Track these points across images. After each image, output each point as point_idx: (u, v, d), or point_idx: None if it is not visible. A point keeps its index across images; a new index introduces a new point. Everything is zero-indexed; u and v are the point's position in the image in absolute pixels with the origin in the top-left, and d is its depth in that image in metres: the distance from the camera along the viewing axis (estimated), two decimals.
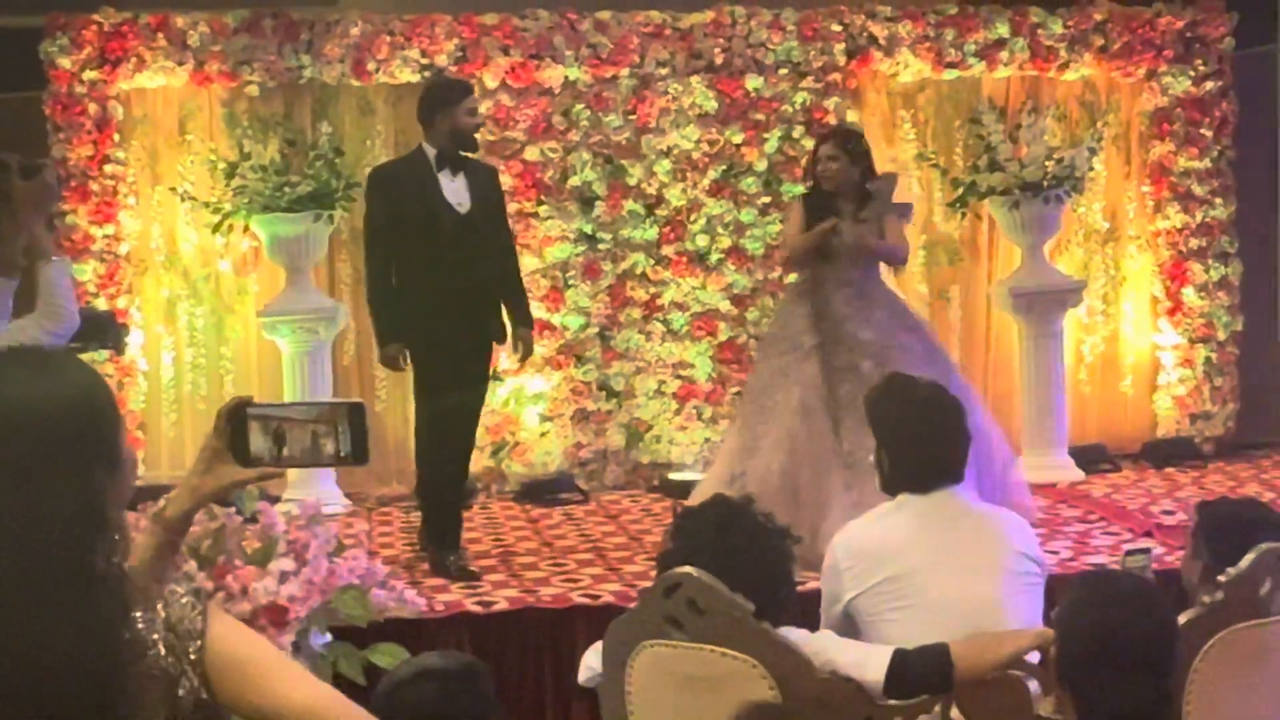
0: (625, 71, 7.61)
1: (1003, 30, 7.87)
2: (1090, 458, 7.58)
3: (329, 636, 4.39)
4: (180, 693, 1.73)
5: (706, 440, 7.63)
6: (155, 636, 1.73)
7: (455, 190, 5.66)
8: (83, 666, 1.67)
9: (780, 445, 5.78)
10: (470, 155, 5.83)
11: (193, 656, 1.74)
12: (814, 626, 3.24)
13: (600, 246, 7.62)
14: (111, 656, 1.68)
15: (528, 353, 6.02)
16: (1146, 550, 3.49)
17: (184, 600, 1.77)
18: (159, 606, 1.75)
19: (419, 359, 5.69)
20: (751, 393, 6.20)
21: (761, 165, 7.72)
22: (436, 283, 5.58)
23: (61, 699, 1.66)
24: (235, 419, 2.01)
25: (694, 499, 5.95)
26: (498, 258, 5.80)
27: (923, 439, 3.40)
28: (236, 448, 2.01)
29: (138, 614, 1.73)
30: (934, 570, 3.28)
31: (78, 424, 1.72)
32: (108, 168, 7.23)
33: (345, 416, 1.98)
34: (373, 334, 6.06)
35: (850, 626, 3.32)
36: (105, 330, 5.00)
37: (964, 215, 7.83)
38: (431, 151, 5.69)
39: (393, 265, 5.66)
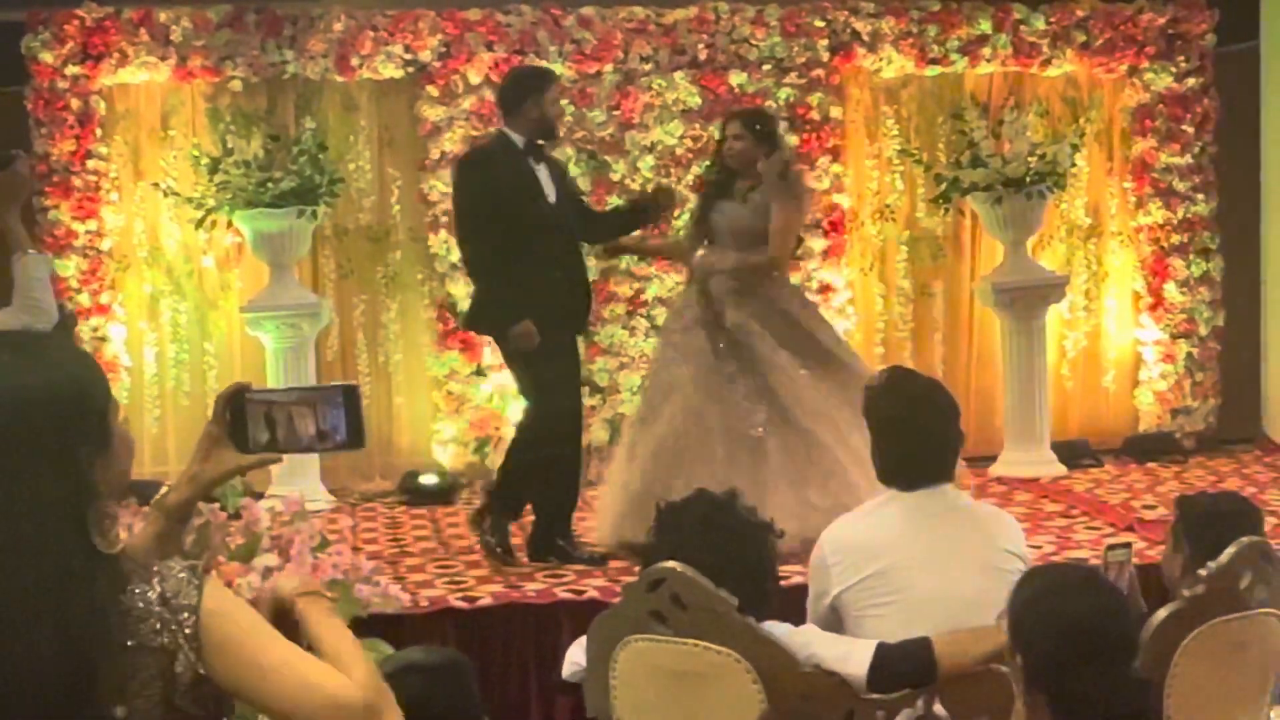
0: (609, 67, 7.62)
1: (985, 26, 7.89)
2: (1073, 453, 7.60)
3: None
4: (178, 669, 1.74)
5: None
6: (150, 611, 1.74)
7: (544, 180, 5.71)
8: (70, 645, 1.68)
9: (672, 418, 5.84)
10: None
11: (187, 630, 1.74)
12: (797, 621, 3.25)
13: (584, 242, 7.60)
14: (101, 634, 1.70)
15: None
16: (1127, 545, 3.50)
17: (179, 575, 1.77)
18: (154, 581, 1.76)
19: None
20: (651, 366, 6.35)
21: None
22: (538, 268, 5.60)
23: (49, 675, 1.67)
24: (234, 405, 2.01)
25: (609, 468, 6.19)
26: (579, 248, 5.93)
27: (913, 435, 3.40)
28: (236, 434, 2.01)
29: (133, 589, 1.74)
30: (920, 566, 3.28)
31: (60, 405, 1.74)
32: (90, 163, 7.21)
33: (340, 400, 1.98)
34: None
35: (836, 621, 3.33)
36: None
37: (947, 211, 7.85)
38: (520, 140, 5.68)
39: (499, 249, 5.60)
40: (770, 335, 5.87)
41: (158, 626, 1.74)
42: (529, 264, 5.58)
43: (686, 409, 5.83)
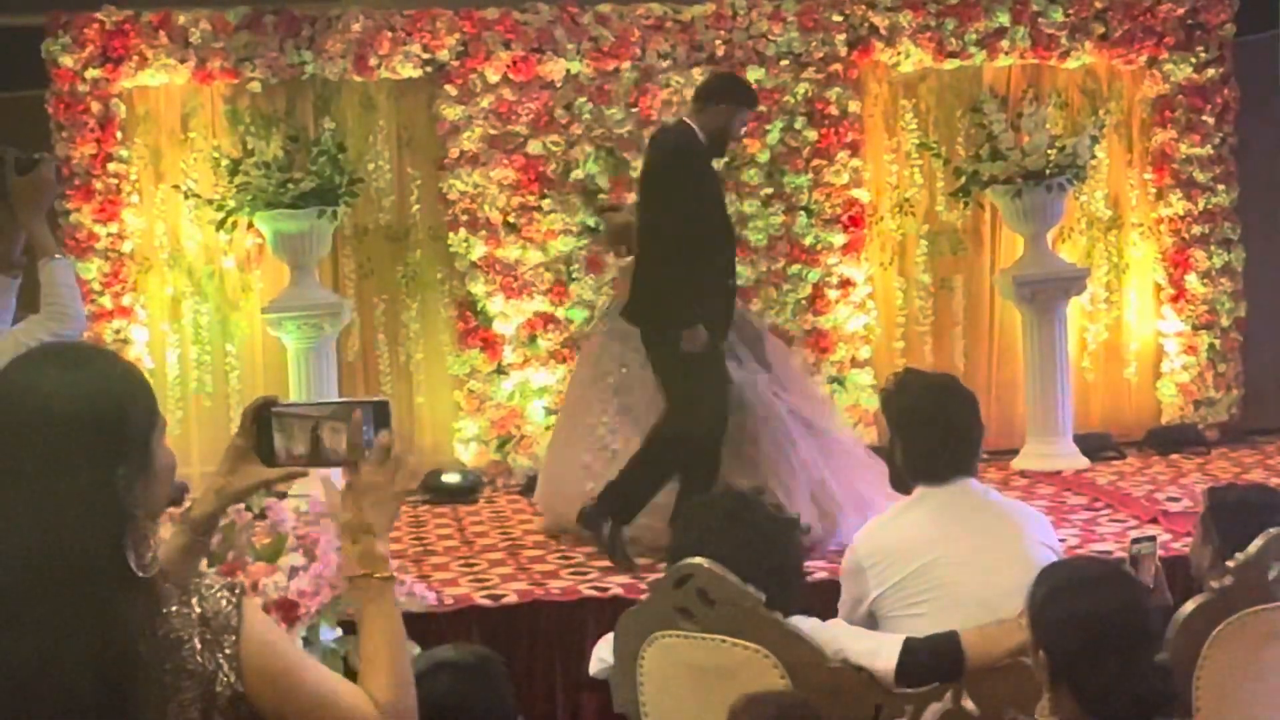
0: (627, 64, 7.61)
1: (1003, 19, 7.86)
2: (1095, 445, 7.58)
3: (339, 630, 4.39)
4: (217, 689, 1.73)
5: None
6: (190, 632, 1.72)
7: None
8: (104, 665, 1.66)
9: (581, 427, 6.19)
10: None
11: (228, 651, 1.73)
12: (824, 615, 3.25)
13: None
14: (136, 662, 1.67)
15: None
16: (1152, 538, 3.49)
17: (219, 594, 1.76)
18: (193, 601, 1.74)
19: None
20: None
21: (764, 157, 7.71)
22: (719, 273, 5.69)
23: (87, 705, 1.65)
24: (260, 418, 1.99)
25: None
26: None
27: (936, 429, 3.39)
28: (261, 447, 1.99)
29: (172, 609, 1.73)
30: (957, 564, 3.27)
31: (101, 424, 1.72)
32: (111, 166, 7.24)
33: (370, 415, 1.95)
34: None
35: (873, 626, 3.31)
36: None
37: (967, 204, 7.83)
38: (703, 138, 5.69)
39: (692, 249, 5.55)
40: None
41: (198, 647, 1.72)
42: (714, 267, 5.62)
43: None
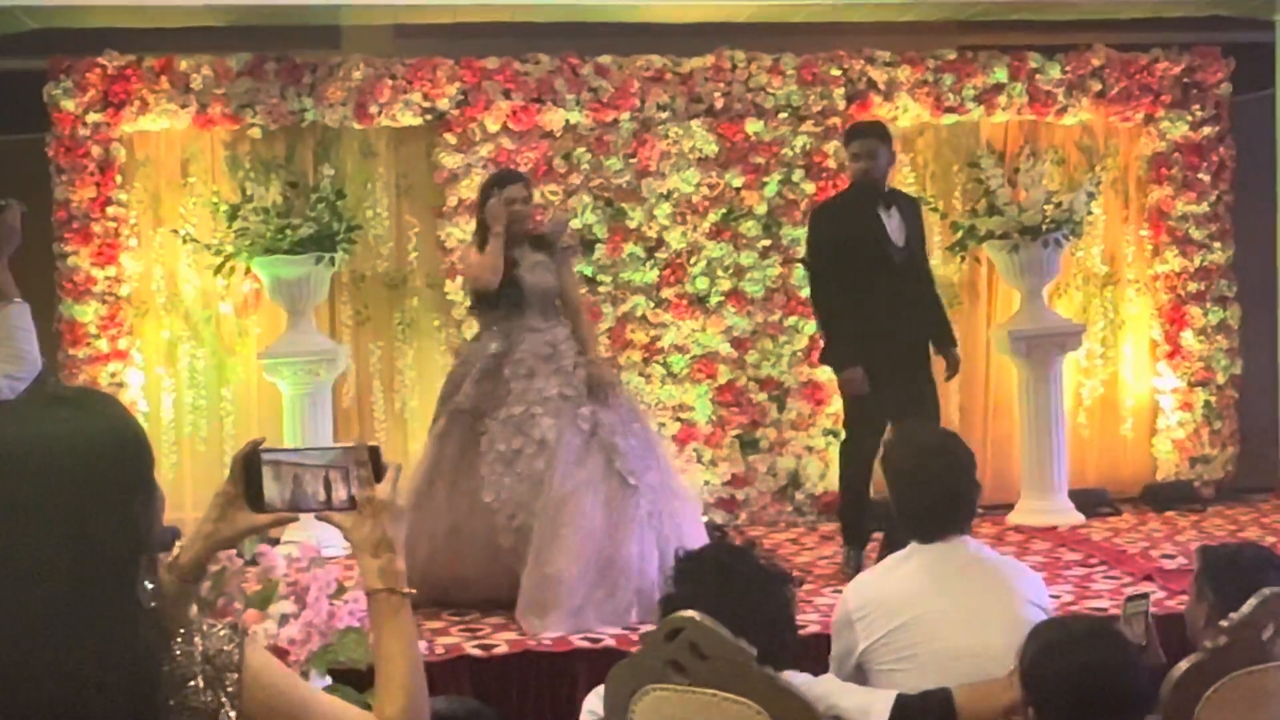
0: (626, 115, 7.65)
1: (1001, 75, 7.91)
2: (1090, 501, 7.57)
3: (329, 679, 4.37)
4: None
5: (706, 483, 7.62)
6: (194, 669, 1.74)
7: (891, 225, 6.19)
8: (122, 699, 1.68)
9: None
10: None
11: (230, 689, 1.75)
12: (816, 671, 3.23)
13: (600, 289, 7.64)
14: (153, 685, 1.70)
15: (954, 370, 6.49)
16: (1145, 596, 3.48)
17: (221, 633, 1.78)
18: (196, 640, 1.77)
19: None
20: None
21: (761, 209, 7.75)
22: (877, 312, 6.08)
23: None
24: (249, 464, 1.99)
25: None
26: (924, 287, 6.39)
27: (930, 488, 3.39)
28: (250, 494, 1.99)
29: (177, 646, 1.75)
30: (943, 620, 3.26)
31: (118, 457, 1.76)
32: (110, 210, 7.26)
33: (362, 461, 1.95)
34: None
35: (861, 680, 3.30)
36: None
37: (963, 259, 7.86)
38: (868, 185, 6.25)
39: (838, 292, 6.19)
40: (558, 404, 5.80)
41: (201, 684, 1.74)
42: (868, 307, 6.06)
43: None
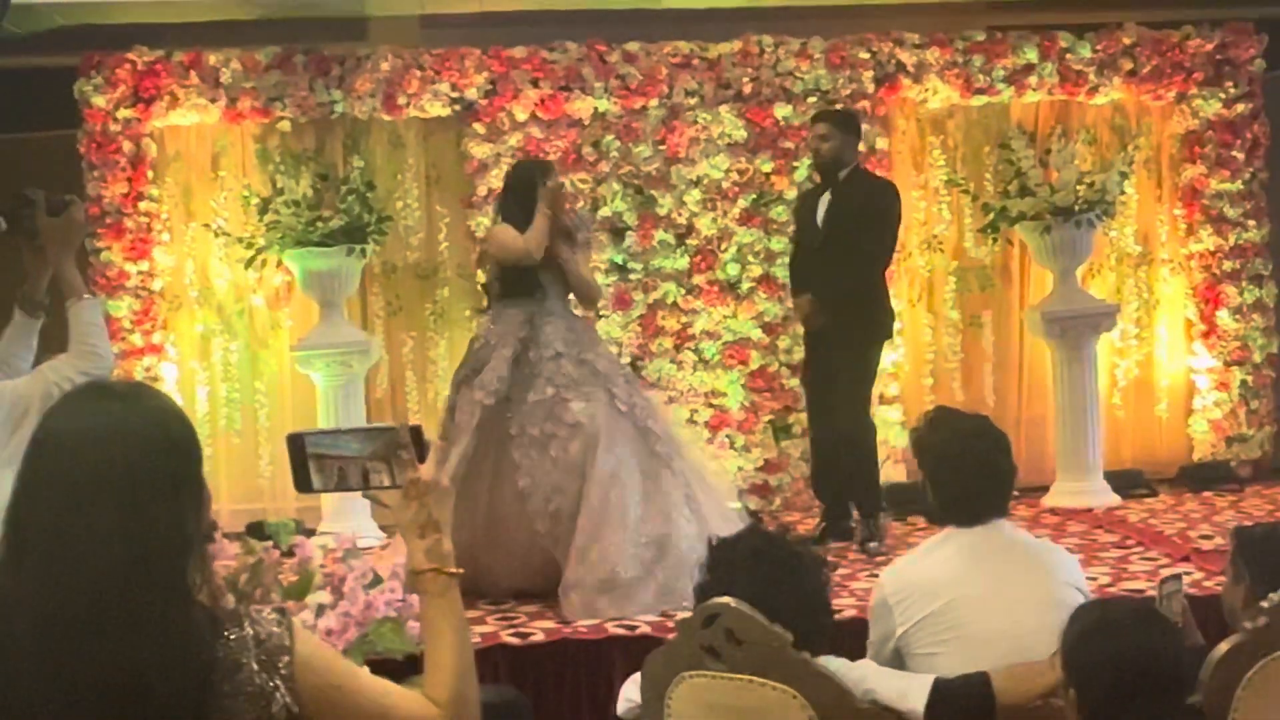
0: (654, 102, 7.64)
1: (1031, 55, 7.86)
2: (1126, 482, 7.53)
3: (366, 669, 4.38)
4: (274, 710, 1.76)
5: (739, 469, 7.62)
6: (246, 655, 1.76)
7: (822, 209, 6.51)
8: (181, 684, 1.71)
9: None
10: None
11: (284, 671, 1.77)
12: (852, 656, 3.23)
13: (631, 276, 7.63)
14: (206, 674, 1.73)
15: (804, 313, 6.65)
16: (1178, 577, 3.46)
17: (269, 617, 1.81)
18: (246, 625, 1.79)
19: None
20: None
21: (791, 193, 7.71)
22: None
23: (160, 716, 1.70)
24: (294, 447, 2.00)
25: None
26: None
27: (967, 471, 3.37)
28: (298, 479, 2.01)
29: (229, 633, 1.77)
30: (981, 603, 3.25)
31: (169, 450, 1.79)
32: (142, 205, 7.30)
33: (404, 444, 1.96)
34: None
35: (899, 664, 3.29)
36: None
37: (995, 241, 7.82)
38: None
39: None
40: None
41: (255, 668, 1.76)
42: (795, 283, 6.73)
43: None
